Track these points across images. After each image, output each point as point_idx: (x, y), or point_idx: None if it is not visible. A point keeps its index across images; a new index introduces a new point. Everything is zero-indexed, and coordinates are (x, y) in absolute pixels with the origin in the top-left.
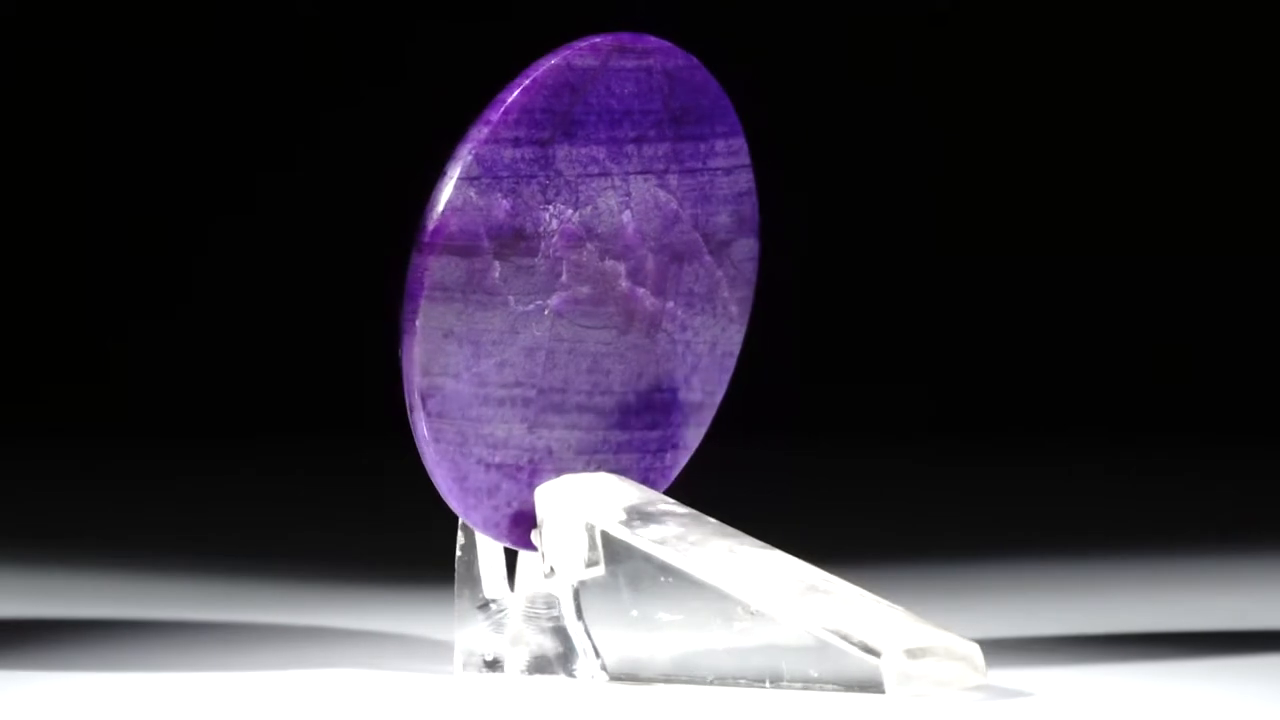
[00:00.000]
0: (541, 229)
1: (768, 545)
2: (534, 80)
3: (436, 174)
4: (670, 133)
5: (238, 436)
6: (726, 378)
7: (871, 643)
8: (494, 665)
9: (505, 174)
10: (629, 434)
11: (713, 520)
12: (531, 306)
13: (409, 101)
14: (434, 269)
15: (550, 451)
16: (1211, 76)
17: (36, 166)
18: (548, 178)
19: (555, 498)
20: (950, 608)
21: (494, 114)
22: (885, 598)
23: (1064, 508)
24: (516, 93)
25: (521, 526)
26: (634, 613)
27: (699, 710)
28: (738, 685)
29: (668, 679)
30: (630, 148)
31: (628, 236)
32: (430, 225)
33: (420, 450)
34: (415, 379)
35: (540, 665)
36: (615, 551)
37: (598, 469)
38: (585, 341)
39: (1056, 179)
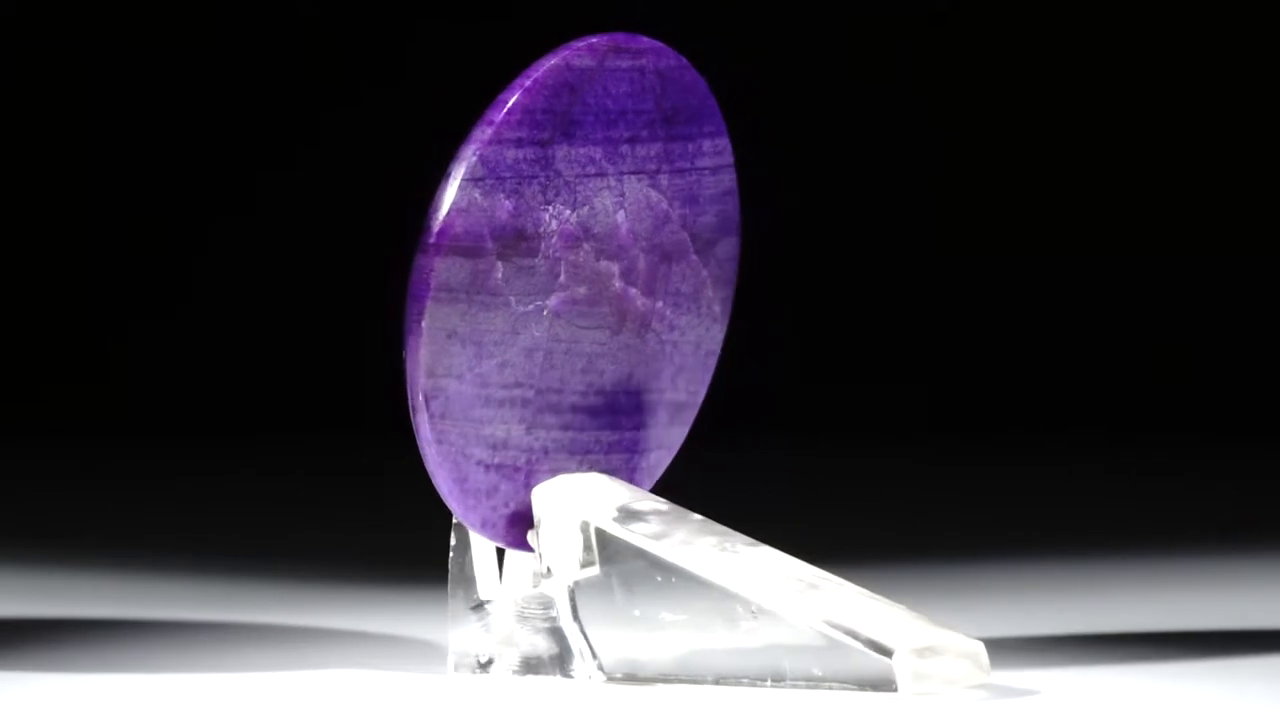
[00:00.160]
0: (542, 229)
1: (758, 542)
2: (535, 81)
3: (436, 174)
4: (662, 133)
5: (238, 436)
6: (709, 377)
7: (882, 641)
8: (487, 666)
9: (508, 174)
10: (619, 434)
11: (703, 518)
12: (531, 307)
13: (409, 101)
14: (440, 270)
15: (546, 452)
16: (1211, 76)
17: (36, 166)
18: (548, 178)
19: (553, 498)
20: (950, 608)
21: (496, 114)
22: (886, 598)
23: (1064, 508)
24: (519, 93)
25: (517, 527)
26: (636, 612)
27: (698, 710)
28: (739, 685)
29: (667, 679)
30: (625, 148)
31: (621, 237)
32: (436, 226)
33: (422, 451)
34: (420, 380)
35: (535, 666)
36: (615, 552)
37: (589, 469)
38: (581, 342)
39: (1056, 179)
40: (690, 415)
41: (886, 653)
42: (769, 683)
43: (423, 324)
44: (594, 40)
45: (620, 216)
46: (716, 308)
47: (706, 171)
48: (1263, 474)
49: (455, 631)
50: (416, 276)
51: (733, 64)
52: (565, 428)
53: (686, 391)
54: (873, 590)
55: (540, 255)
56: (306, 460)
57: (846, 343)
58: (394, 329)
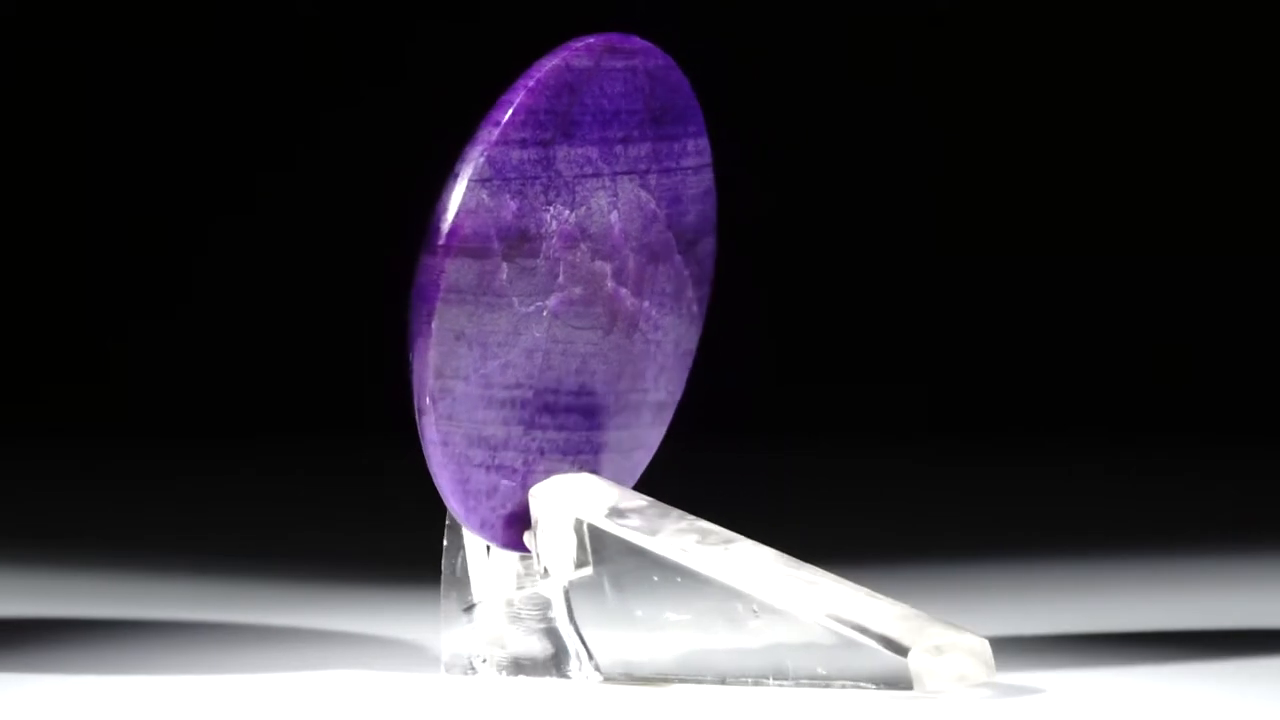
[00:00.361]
0: (543, 230)
1: (759, 543)
2: (538, 81)
3: (437, 174)
4: (651, 133)
5: (238, 436)
6: (685, 377)
7: (896, 638)
8: (479, 667)
9: (513, 175)
10: (607, 434)
11: (694, 517)
12: (532, 308)
13: (409, 101)
14: (450, 271)
15: (542, 453)
16: (1211, 76)
17: (36, 166)
18: (549, 179)
19: (551, 499)
20: (951, 608)
21: (502, 115)
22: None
23: (1064, 508)
24: (522, 94)
25: (514, 528)
26: (638, 613)
27: (696, 710)
28: (739, 684)
29: (664, 679)
30: (618, 148)
31: (614, 237)
32: (445, 227)
33: (426, 452)
34: (428, 381)
35: (531, 667)
36: (617, 552)
37: (580, 469)
38: (576, 343)
39: (1056, 179)
40: (669, 415)
41: (901, 651)
42: (771, 681)
43: (432, 325)
44: (591, 40)
45: (614, 217)
46: (695, 307)
47: (690, 171)
48: (1263, 474)
49: (448, 633)
50: (425, 278)
51: (732, 64)
52: (560, 428)
53: (667, 391)
54: (873, 590)
55: (541, 256)
56: (306, 460)
57: (846, 343)
58: (395, 329)
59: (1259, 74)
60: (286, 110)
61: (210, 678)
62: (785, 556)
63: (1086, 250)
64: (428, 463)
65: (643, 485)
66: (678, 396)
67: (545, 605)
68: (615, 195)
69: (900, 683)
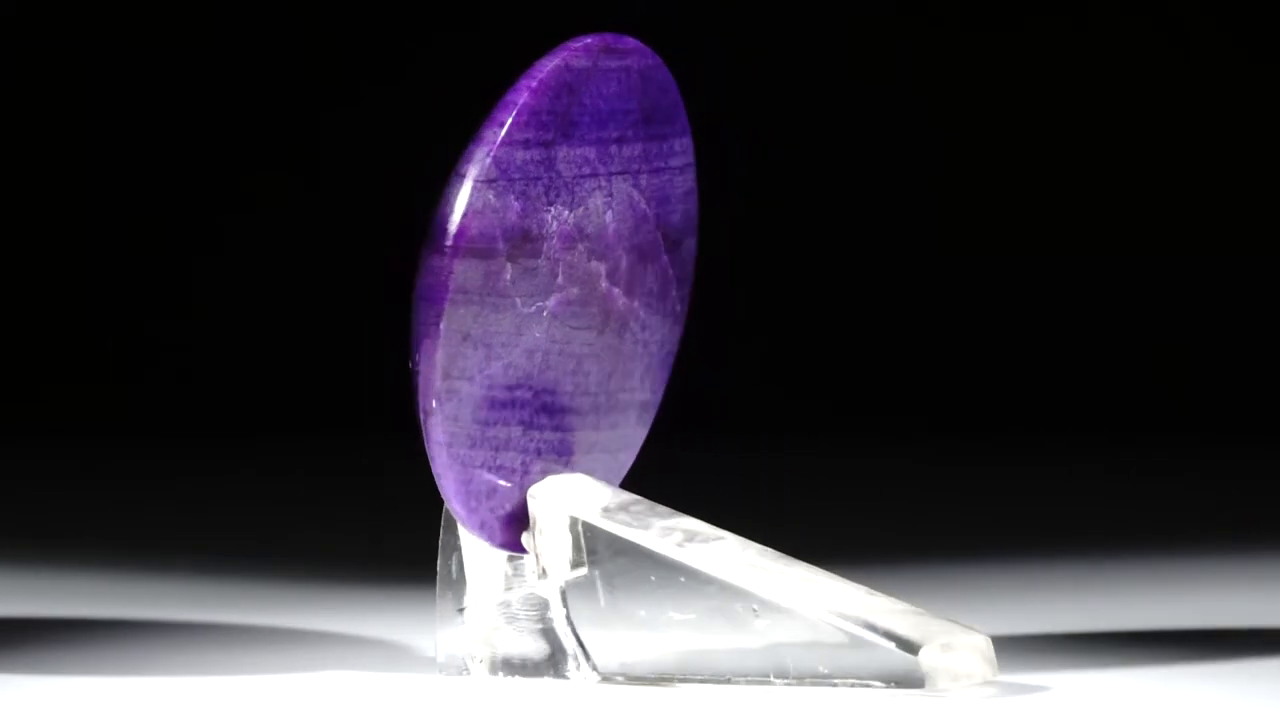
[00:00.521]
0: (544, 230)
1: (742, 538)
2: (540, 81)
3: (437, 174)
4: (642, 133)
5: (238, 436)
6: (668, 377)
7: (907, 636)
8: (476, 668)
9: (518, 176)
10: (599, 434)
11: (692, 518)
12: (533, 308)
13: (409, 101)
14: (458, 272)
15: (539, 453)
16: (1211, 76)
17: (36, 166)
18: (550, 179)
19: (549, 499)
20: (951, 608)
21: (506, 115)
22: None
23: (1064, 508)
24: (526, 94)
25: (512, 529)
26: (641, 613)
27: (695, 710)
28: (740, 683)
29: (663, 679)
30: (613, 148)
31: (608, 237)
32: (452, 228)
33: (431, 454)
34: (435, 382)
35: (528, 667)
36: (614, 550)
37: (574, 470)
38: (573, 343)
39: (1057, 179)
40: (652, 416)
41: (913, 648)
42: (774, 679)
43: (440, 326)
44: (589, 40)
45: (609, 217)
46: (678, 307)
47: (676, 171)
48: (1263, 474)
49: (443, 633)
50: (433, 279)
51: (732, 64)
52: (556, 429)
53: (651, 391)
54: (870, 589)
55: (543, 256)
56: (306, 460)
57: (846, 343)
58: (396, 329)
59: (1258, 74)
60: (287, 110)
61: (209, 678)
62: (778, 553)
63: (1086, 250)
64: (432, 464)
65: (642, 486)
66: (660, 397)
67: (542, 606)
68: (610, 195)
69: (910, 680)
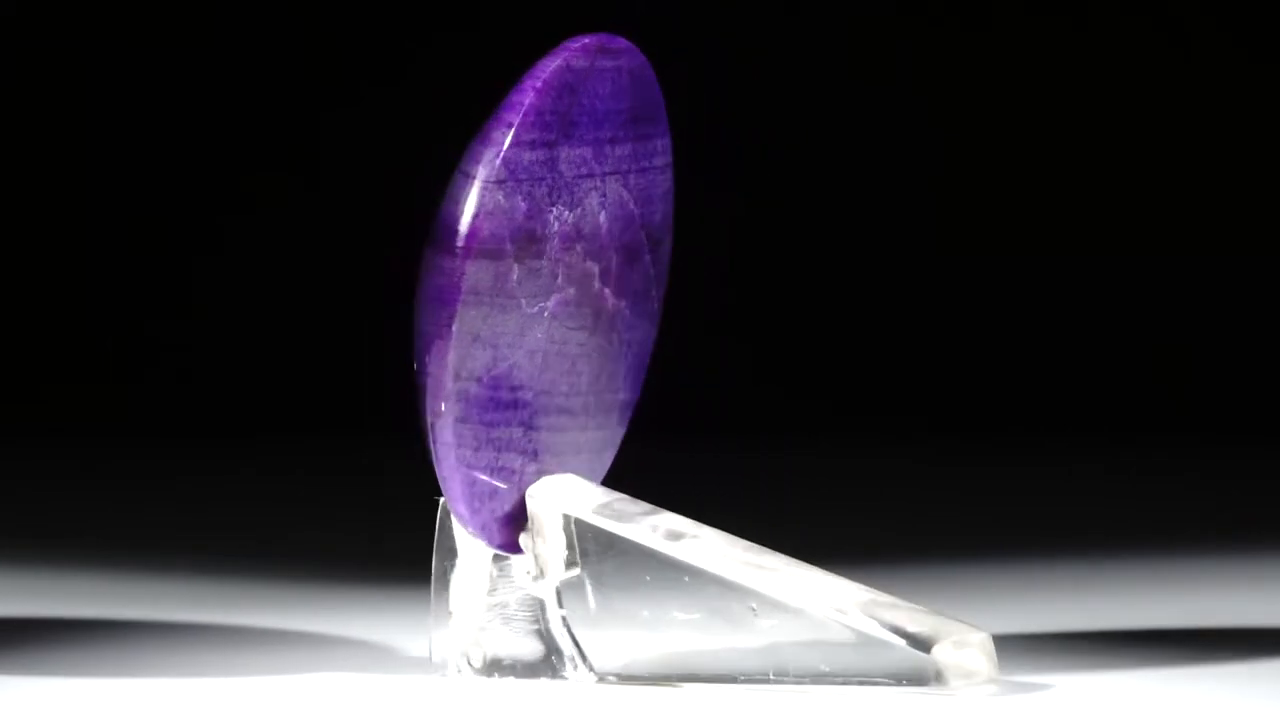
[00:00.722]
0: (547, 231)
1: (766, 547)
2: (544, 82)
3: (437, 174)
4: (631, 133)
5: (238, 436)
6: (644, 375)
7: (918, 633)
8: (471, 668)
9: (524, 176)
10: (588, 434)
11: (691, 520)
12: (536, 309)
13: (409, 101)
14: (470, 273)
15: (536, 454)
16: (1211, 76)
17: (36, 166)
18: (553, 180)
19: (548, 500)
20: (951, 608)
21: (513, 116)
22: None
23: (1064, 508)
24: (531, 95)
25: (509, 530)
26: (644, 613)
27: (694, 710)
28: (739, 683)
29: (658, 678)
30: (608, 148)
31: (602, 237)
32: (464, 229)
33: (438, 455)
34: (447, 384)
35: (524, 668)
36: (617, 552)
37: (567, 471)
38: (569, 343)
39: (1057, 179)
40: (629, 415)
41: (925, 646)
42: (776, 678)
43: (453, 327)
44: (586, 40)
45: (603, 217)
46: (656, 306)
47: (659, 170)
48: (1263, 474)
49: (438, 633)
50: (444, 280)
51: (733, 64)
52: (551, 429)
53: (631, 391)
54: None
55: (545, 257)
56: (306, 460)
57: (846, 343)
58: (396, 330)
59: (1258, 74)
60: (287, 110)
61: (209, 679)
62: (773, 551)
63: (1086, 250)
64: (438, 465)
65: (643, 486)
66: (637, 396)
67: (538, 606)
68: (604, 196)
69: (919, 678)
